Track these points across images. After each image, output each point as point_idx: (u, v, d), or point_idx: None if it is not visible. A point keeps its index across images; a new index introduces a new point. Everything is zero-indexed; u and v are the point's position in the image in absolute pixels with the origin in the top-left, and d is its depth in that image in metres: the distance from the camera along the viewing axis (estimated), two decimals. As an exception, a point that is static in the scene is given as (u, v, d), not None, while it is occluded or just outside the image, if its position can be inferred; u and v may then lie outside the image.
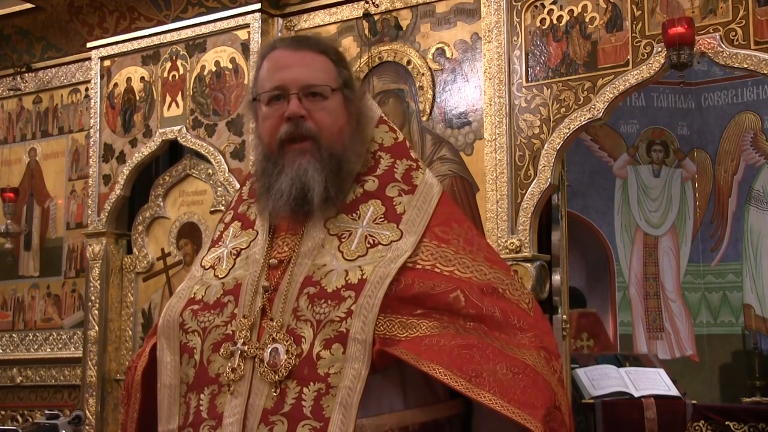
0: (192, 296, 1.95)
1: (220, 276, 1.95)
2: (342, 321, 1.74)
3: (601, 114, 4.68)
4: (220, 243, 2.05)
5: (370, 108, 2.04)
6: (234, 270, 1.94)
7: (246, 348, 1.81)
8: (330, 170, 1.88)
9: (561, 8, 4.89)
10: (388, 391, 1.79)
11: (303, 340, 1.77)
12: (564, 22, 4.87)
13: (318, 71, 1.93)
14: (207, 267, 2.01)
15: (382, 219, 1.88)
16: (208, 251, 2.06)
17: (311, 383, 1.73)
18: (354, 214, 1.89)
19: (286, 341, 1.77)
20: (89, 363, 6.06)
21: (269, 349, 1.78)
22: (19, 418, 6.75)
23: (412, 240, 1.85)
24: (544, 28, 4.91)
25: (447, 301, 1.78)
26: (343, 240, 1.86)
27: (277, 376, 1.75)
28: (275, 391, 1.75)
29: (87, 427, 5.89)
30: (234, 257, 1.97)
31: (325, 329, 1.75)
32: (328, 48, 1.99)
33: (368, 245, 1.84)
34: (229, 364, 1.81)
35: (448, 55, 5.18)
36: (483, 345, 1.74)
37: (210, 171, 5.90)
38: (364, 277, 1.78)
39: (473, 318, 1.78)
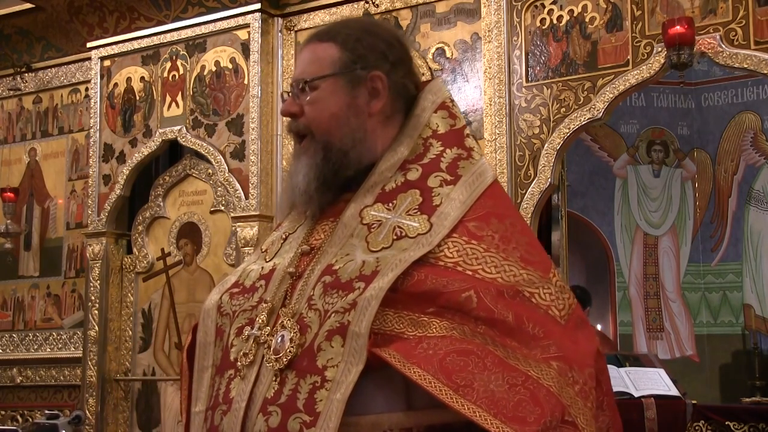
0: (238, 278, 1.91)
1: (267, 259, 1.90)
2: (345, 312, 1.66)
3: (601, 114, 4.68)
4: (280, 226, 1.99)
5: (431, 90, 1.91)
6: (278, 254, 1.89)
7: (259, 333, 1.75)
8: (316, 163, 1.82)
9: (561, 8, 4.89)
10: (386, 390, 1.68)
11: (309, 329, 1.70)
12: (564, 22, 4.87)
13: (310, 63, 1.86)
14: (264, 249, 1.96)
15: (416, 210, 1.77)
16: (272, 233, 2.01)
17: (308, 375, 1.66)
18: (390, 204, 1.79)
19: (293, 329, 1.70)
20: (89, 363, 6.06)
21: (278, 336, 1.72)
22: (19, 418, 6.75)
23: (440, 234, 1.73)
24: (544, 28, 4.91)
25: (458, 300, 1.67)
26: (372, 230, 1.76)
27: (278, 365, 1.69)
28: (276, 380, 1.69)
29: (87, 427, 5.89)
30: (281, 241, 1.92)
31: (330, 320, 1.67)
32: (338, 32, 1.88)
33: (395, 237, 1.73)
34: (243, 349, 1.76)
35: (448, 55, 5.18)
36: (483, 353, 1.62)
37: (210, 171, 5.90)
38: (378, 268, 1.68)
39: (484, 321, 1.66)
